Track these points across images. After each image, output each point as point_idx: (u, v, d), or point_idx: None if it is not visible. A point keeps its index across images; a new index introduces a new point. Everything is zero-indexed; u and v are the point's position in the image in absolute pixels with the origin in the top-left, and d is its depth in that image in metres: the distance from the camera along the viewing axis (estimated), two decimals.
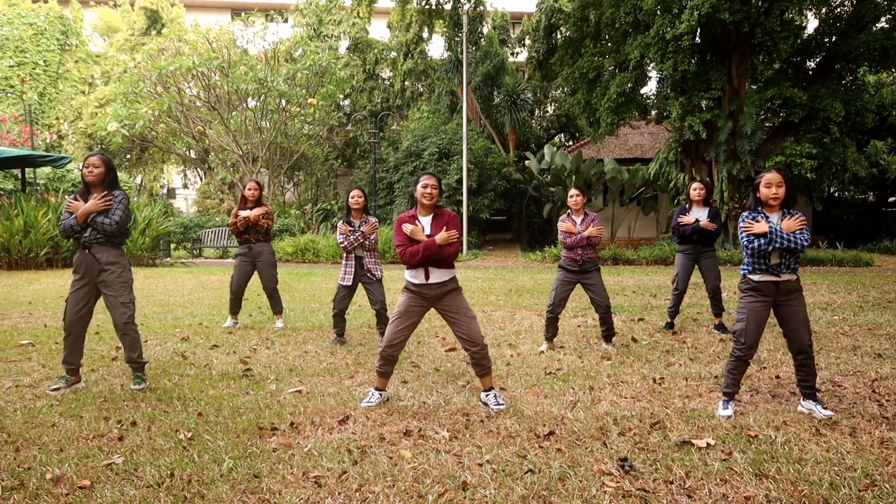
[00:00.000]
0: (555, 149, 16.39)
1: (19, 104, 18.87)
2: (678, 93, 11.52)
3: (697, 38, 11.25)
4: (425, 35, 18.67)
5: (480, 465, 2.33)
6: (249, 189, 4.92)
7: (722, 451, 2.43)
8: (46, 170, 13.72)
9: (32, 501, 2.08)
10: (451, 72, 17.06)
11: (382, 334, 4.38)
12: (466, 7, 16.85)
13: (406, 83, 19.41)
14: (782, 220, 2.78)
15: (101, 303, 3.34)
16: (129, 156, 19.14)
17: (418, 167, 14.62)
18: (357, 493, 2.12)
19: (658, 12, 10.90)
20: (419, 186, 2.98)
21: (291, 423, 2.78)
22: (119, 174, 17.33)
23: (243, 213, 4.84)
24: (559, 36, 15.62)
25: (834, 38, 11.21)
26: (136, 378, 3.35)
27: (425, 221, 2.98)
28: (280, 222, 14.84)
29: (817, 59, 11.69)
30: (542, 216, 15.43)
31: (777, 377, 3.52)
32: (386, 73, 20.33)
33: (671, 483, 2.18)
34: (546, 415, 2.89)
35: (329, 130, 18.10)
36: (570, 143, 20.64)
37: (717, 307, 4.83)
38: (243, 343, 4.51)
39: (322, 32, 19.62)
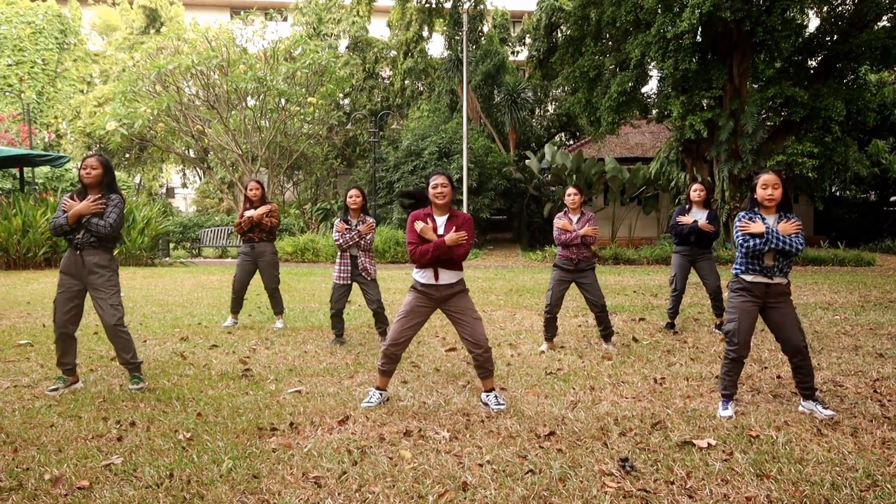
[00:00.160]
0: (555, 148, 16.39)
1: (17, 103, 18.86)
2: (679, 92, 11.50)
3: (698, 37, 11.23)
4: (425, 34, 18.64)
5: (481, 465, 2.32)
6: (251, 189, 4.93)
7: (723, 452, 2.42)
8: (45, 169, 13.72)
9: (31, 502, 2.07)
10: (452, 70, 17.03)
11: (381, 334, 4.38)
12: (467, 5, 16.82)
13: (406, 82, 19.38)
14: (778, 223, 2.77)
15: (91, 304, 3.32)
16: (127, 155, 19.12)
17: (418, 166, 14.61)
18: (357, 494, 2.11)
19: (659, 11, 10.87)
20: (430, 187, 2.96)
21: (291, 424, 2.78)
22: (118, 173, 17.40)
23: (248, 214, 4.86)
24: (560, 34, 15.60)
25: (835, 37, 11.19)
26: (134, 378, 3.34)
27: (440, 221, 2.95)
28: (280, 221, 14.80)
29: (819, 58, 11.67)
30: (543, 215, 15.42)
31: (778, 377, 3.51)
32: (386, 71, 20.30)
33: (672, 483, 2.17)
34: (547, 415, 2.88)
35: (329, 129, 18.08)
36: (571, 142, 20.62)
37: (718, 307, 4.83)
38: (243, 343, 4.51)
39: (322, 31, 19.59)
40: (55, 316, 3.21)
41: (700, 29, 10.99)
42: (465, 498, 2.09)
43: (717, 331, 4.82)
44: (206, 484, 2.18)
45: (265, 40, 15.97)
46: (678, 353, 4.13)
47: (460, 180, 13.75)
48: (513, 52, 19.92)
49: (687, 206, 4.83)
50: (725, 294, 4.96)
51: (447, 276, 2.94)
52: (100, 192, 3.22)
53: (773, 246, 2.71)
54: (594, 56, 12.39)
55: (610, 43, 12.60)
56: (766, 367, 3.73)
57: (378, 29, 21.55)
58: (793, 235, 2.73)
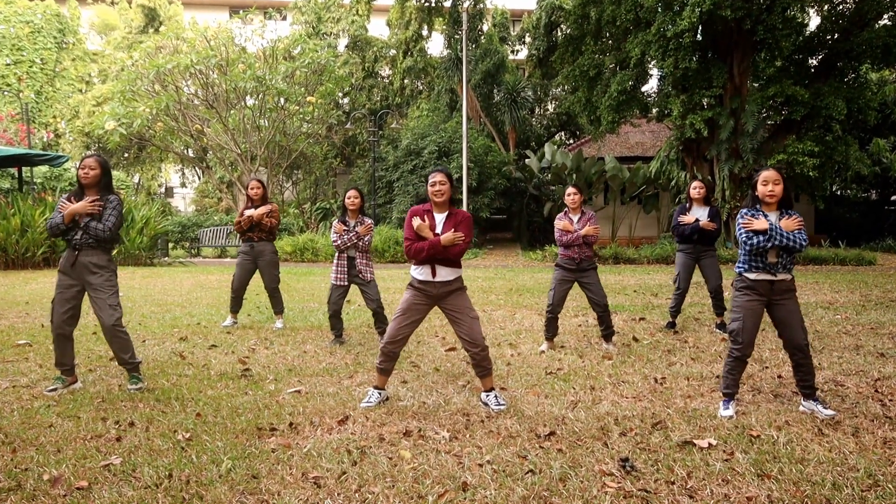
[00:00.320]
0: (555, 147, 16.36)
1: (16, 102, 18.82)
2: (679, 91, 11.49)
3: (699, 36, 11.20)
4: (425, 33, 18.60)
5: (481, 465, 2.32)
6: (252, 188, 4.92)
7: (724, 452, 2.42)
8: (43, 169, 13.70)
9: (30, 502, 2.06)
10: (451, 70, 17.00)
11: (381, 333, 4.37)
12: (466, 4, 16.79)
13: (405, 81, 19.35)
14: (780, 220, 2.77)
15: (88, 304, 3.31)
16: (126, 154, 19.08)
17: (418, 166, 14.59)
18: (356, 494, 2.11)
19: (659, 9, 10.85)
20: (428, 185, 2.95)
21: (290, 424, 2.77)
22: (116, 173, 17.38)
23: (248, 213, 4.85)
24: (560, 33, 15.56)
25: (836, 36, 11.17)
26: (133, 378, 3.33)
27: (439, 218, 2.95)
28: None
29: (819, 57, 11.65)
30: (543, 215, 15.40)
31: (779, 376, 3.51)
32: (385, 71, 20.26)
33: (673, 483, 2.16)
34: (547, 415, 2.87)
35: (328, 129, 18.05)
36: (571, 141, 20.59)
37: (719, 307, 4.82)
38: (242, 343, 4.50)
39: (321, 30, 19.55)
40: (53, 316, 3.20)
41: (700, 27, 10.97)
42: (465, 498, 2.08)
43: (717, 330, 4.81)
44: (206, 484, 2.17)
45: (264, 39, 15.94)
46: (679, 353, 4.12)
47: (460, 179, 13.73)
48: (512, 51, 19.88)
49: (687, 205, 4.82)
50: (727, 293, 4.96)
51: (444, 273, 2.93)
52: (97, 192, 3.21)
53: (776, 242, 2.71)
54: (594, 55, 12.37)
55: (610, 42, 12.58)
56: (766, 367, 3.72)
57: (377, 28, 21.52)
58: (795, 231, 2.72)
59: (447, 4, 17.24)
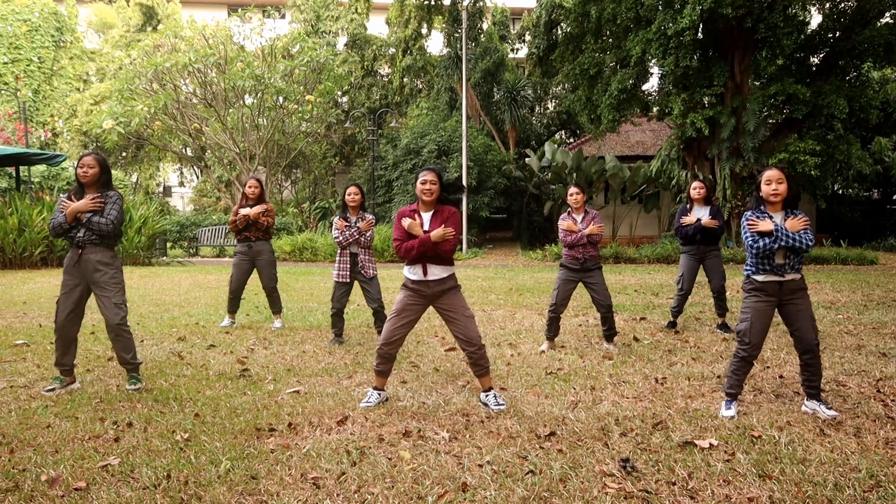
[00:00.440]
0: (555, 146, 16.32)
1: (13, 101, 18.77)
2: (680, 89, 11.46)
3: (699, 34, 11.18)
4: (424, 31, 18.55)
5: (481, 466, 2.31)
6: (250, 187, 4.89)
7: (725, 452, 2.41)
8: (41, 168, 13.65)
9: (27, 503, 2.05)
10: (451, 68, 16.96)
11: (381, 333, 4.35)
12: (466, 2, 16.75)
13: (405, 80, 19.30)
14: (786, 220, 2.75)
15: (93, 303, 3.30)
16: (124, 154, 19.04)
17: (417, 165, 14.56)
18: (356, 495, 2.10)
19: (659, 7, 10.82)
20: (418, 182, 2.94)
21: (289, 424, 2.76)
22: (114, 172, 17.32)
23: (243, 211, 4.81)
24: (560, 32, 15.51)
25: (838, 34, 11.14)
26: (132, 378, 3.32)
27: (426, 217, 2.94)
28: (277, 220, 14.77)
29: (821, 55, 11.62)
30: (543, 214, 15.38)
31: (780, 377, 3.50)
32: (384, 69, 20.22)
33: (673, 484, 2.15)
34: (547, 415, 2.86)
35: (327, 128, 18.02)
36: (571, 140, 20.56)
37: (721, 307, 4.81)
38: (240, 343, 4.48)
39: (320, 28, 19.51)
40: (56, 317, 3.19)
41: (701, 25, 10.94)
42: (464, 499, 2.07)
43: (719, 331, 4.80)
44: (204, 485, 2.16)
45: (263, 38, 15.91)
46: (680, 353, 4.11)
47: (460, 179, 13.71)
48: (512, 50, 19.82)
49: (688, 205, 4.81)
50: (728, 293, 4.95)
51: (436, 272, 2.92)
52: (97, 190, 3.20)
53: (782, 244, 2.69)
54: (594, 53, 12.34)
55: (610, 40, 12.55)
56: (768, 367, 3.71)
57: (377, 26, 21.47)
58: (801, 232, 2.70)
59: (447, 2, 17.19)
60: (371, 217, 4.34)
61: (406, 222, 2.90)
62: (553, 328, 4.24)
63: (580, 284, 4.21)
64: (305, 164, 18.90)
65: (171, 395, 3.17)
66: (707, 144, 11.73)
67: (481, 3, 17.54)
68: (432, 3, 17.37)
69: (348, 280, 4.30)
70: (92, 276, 3.15)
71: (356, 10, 19.39)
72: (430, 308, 3.07)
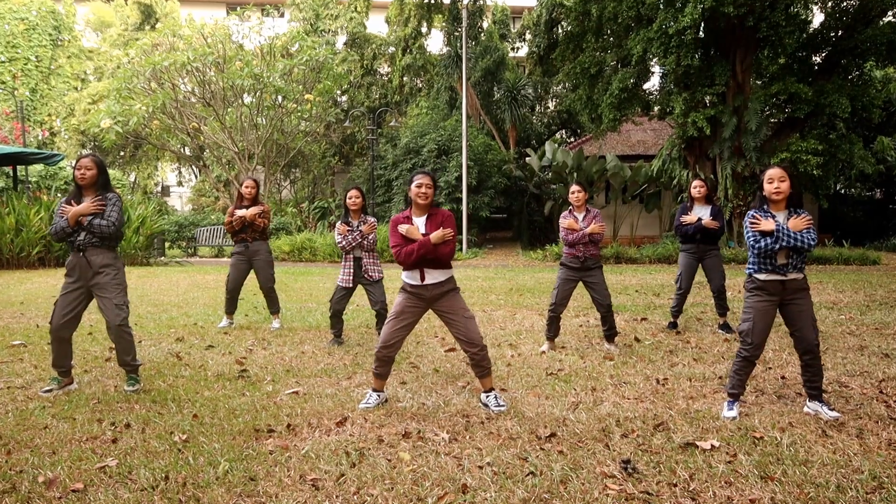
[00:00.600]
0: (556, 145, 16.29)
1: (11, 100, 18.72)
2: (681, 88, 11.44)
3: (701, 33, 11.14)
4: (424, 30, 18.52)
5: (481, 467, 2.29)
6: (246, 187, 4.86)
7: (726, 453, 2.39)
8: (38, 167, 13.61)
9: None
10: (451, 67, 16.93)
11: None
12: (466, 1, 16.71)
13: (404, 79, 19.27)
14: (788, 219, 2.74)
15: (93, 303, 3.28)
16: (122, 153, 19.03)
17: (417, 164, 14.54)
18: (355, 496, 2.08)
19: (661, 6, 10.79)
20: (413, 186, 2.91)
21: (288, 425, 2.74)
22: (112, 172, 17.30)
23: (239, 212, 4.78)
24: (560, 31, 15.49)
25: (840, 33, 11.11)
26: (130, 379, 3.30)
27: (419, 222, 2.91)
28: (276, 220, 14.75)
29: (823, 54, 11.59)
30: (544, 214, 15.36)
31: (782, 378, 3.48)
32: (384, 68, 20.19)
33: (675, 486, 2.14)
34: (547, 416, 2.85)
35: (326, 127, 17.99)
36: (572, 139, 20.54)
37: (722, 307, 4.79)
38: (239, 343, 4.46)
39: (319, 27, 19.48)
40: (53, 317, 3.17)
41: (702, 24, 10.90)
42: (464, 500, 2.06)
43: (720, 331, 4.79)
44: (202, 486, 2.15)
45: (262, 37, 15.88)
46: (681, 354, 4.10)
47: (459, 178, 13.69)
48: (513, 49, 19.79)
49: (689, 204, 4.79)
50: (730, 293, 4.93)
51: (434, 276, 2.90)
52: (96, 192, 3.19)
53: (784, 243, 2.68)
54: (595, 52, 12.31)
55: (611, 39, 12.52)
56: (769, 368, 3.70)
57: (376, 25, 21.43)
58: (804, 231, 2.69)
59: (447, 1, 17.16)
60: (373, 220, 4.31)
61: (403, 228, 2.87)
62: (553, 328, 4.22)
63: (580, 284, 4.19)
64: (304, 164, 18.88)
65: (169, 396, 3.16)
66: (708, 144, 11.71)
67: (481, 2, 17.51)
68: (432, 1, 17.34)
69: (351, 285, 4.28)
70: (94, 279, 3.15)
71: (355, 8, 19.35)
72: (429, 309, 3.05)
